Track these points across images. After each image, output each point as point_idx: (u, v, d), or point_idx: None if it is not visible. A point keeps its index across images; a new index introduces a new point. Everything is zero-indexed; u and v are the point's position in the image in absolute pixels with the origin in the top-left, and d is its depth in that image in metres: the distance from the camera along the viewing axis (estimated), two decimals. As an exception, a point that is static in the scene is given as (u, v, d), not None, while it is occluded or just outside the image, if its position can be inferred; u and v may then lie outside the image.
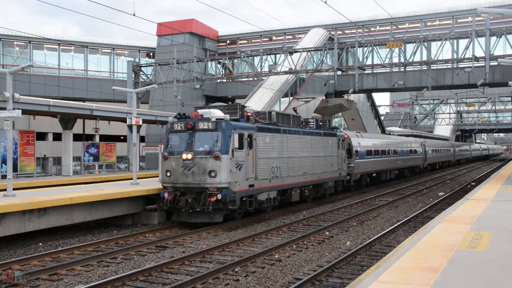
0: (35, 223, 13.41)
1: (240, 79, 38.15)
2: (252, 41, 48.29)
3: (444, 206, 18.45)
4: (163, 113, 30.61)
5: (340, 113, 48.91)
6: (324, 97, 40.00)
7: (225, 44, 48.57)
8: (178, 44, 38.11)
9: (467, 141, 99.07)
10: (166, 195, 15.36)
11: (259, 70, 34.16)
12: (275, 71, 33.97)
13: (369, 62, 32.09)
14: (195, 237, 13.91)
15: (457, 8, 41.07)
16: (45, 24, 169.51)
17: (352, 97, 42.92)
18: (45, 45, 43.47)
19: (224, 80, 43.05)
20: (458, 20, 40.93)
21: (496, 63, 28.98)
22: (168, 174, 15.55)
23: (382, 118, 62.51)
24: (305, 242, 13.18)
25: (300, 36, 44.10)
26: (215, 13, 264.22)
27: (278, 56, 36.59)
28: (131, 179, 19.64)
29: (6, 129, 15.19)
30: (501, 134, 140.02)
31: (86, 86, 42.79)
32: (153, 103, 40.07)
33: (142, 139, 35.78)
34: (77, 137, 34.10)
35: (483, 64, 27.97)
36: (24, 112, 18.37)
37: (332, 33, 39.74)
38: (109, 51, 46.29)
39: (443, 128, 78.89)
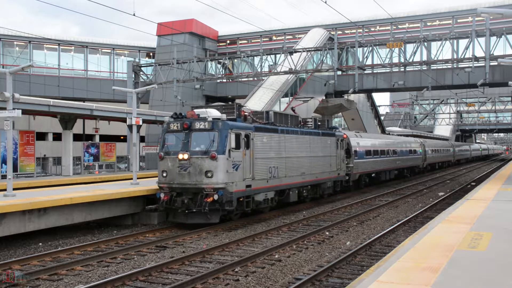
0: (35, 223, 13.41)
1: (240, 79, 38.14)
2: (252, 41, 48.27)
3: (444, 206, 18.45)
4: (163, 113, 30.58)
5: (340, 113, 48.89)
6: (324, 97, 40.01)
7: (225, 44, 48.55)
8: (178, 44, 38.09)
9: (467, 141, 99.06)
10: (162, 195, 15.22)
11: (259, 70, 34.14)
12: (275, 71, 33.95)
13: (369, 62, 32.07)
14: (195, 237, 13.90)
15: (457, 8, 41.07)
16: (45, 24, 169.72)
17: (352, 97, 42.88)
18: (45, 45, 43.45)
19: (224, 80, 43.05)
20: (458, 20, 40.92)
21: (496, 63, 28.97)
22: (164, 175, 15.43)
23: (382, 118, 62.47)
24: (305, 242, 13.18)
25: (300, 36, 44.08)
26: (215, 13, 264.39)
27: (278, 56, 36.55)
28: (131, 179, 19.64)
29: (6, 129, 15.20)
30: (501, 134, 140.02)
31: (86, 86, 42.78)
32: (153, 103, 40.07)
33: (142, 139, 35.77)
34: (77, 137, 34.09)
35: (483, 64, 27.96)
36: (24, 112, 18.37)
37: (332, 33, 39.73)
38: (109, 51, 46.28)
39: (443, 128, 78.88)
